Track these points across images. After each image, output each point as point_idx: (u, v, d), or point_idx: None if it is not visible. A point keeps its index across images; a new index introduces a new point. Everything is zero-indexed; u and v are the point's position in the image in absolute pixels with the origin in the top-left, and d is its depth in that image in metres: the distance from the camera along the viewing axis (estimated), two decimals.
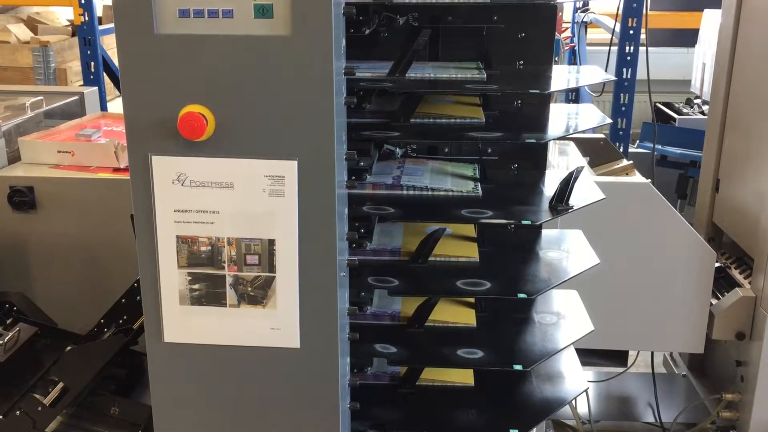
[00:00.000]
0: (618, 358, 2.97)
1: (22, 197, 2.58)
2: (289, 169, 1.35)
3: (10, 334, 2.02)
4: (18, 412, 1.76)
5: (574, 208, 1.68)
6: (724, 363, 3.03)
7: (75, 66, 4.33)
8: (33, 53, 4.18)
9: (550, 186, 1.87)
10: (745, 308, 2.65)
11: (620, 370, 3.00)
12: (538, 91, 1.70)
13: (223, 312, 1.43)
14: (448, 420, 1.77)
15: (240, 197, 1.37)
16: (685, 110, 4.67)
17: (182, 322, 1.44)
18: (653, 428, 3.05)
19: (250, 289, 1.42)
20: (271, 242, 1.39)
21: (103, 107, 3.85)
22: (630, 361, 3.01)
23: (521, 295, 1.62)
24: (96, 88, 3.53)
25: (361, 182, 1.69)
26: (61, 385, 1.84)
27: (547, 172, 1.96)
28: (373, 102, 1.83)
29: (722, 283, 2.83)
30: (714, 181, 3.07)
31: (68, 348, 1.95)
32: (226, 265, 1.41)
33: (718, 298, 2.76)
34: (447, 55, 1.91)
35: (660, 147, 4.15)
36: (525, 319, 1.89)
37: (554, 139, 1.74)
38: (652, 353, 3.08)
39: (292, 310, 1.42)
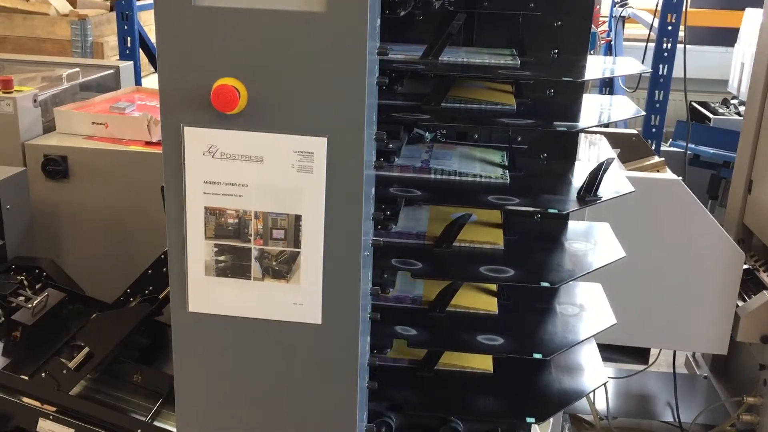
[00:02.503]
0: (639, 355, 2.95)
1: (56, 166, 2.62)
2: (319, 145, 1.36)
3: (39, 298, 2.05)
4: (44, 374, 1.79)
5: (602, 199, 1.67)
6: (747, 366, 3.00)
7: (112, 41, 4.37)
8: (71, 26, 4.22)
9: (578, 177, 1.86)
10: None
11: (641, 367, 2.99)
12: (571, 79, 1.68)
13: (247, 284, 1.44)
14: (465, 404, 1.77)
15: (269, 171, 1.38)
16: (720, 110, 4.60)
17: (207, 292, 1.46)
18: (671, 428, 3.03)
19: (274, 263, 1.43)
20: (298, 218, 1.40)
21: (138, 82, 3.89)
22: (651, 359, 2.99)
23: (544, 284, 1.61)
24: (131, 62, 3.57)
25: (389, 164, 1.70)
26: (86, 350, 1.87)
27: (577, 164, 1.95)
28: (404, 85, 1.83)
29: (749, 285, 2.80)
30: (747, 183, 3.03)
31: (94, 314, 1.99)
32: (252, 238, 1.42)
33: (744, 300, 2.73)
34: (481, 41, 1.90)
35: (693, 146, 4.10)
36: (547, 309, 1.88)
37: (586, 129, 1.72)
38: (675, 352, 3.06)
39: (316, 286, 1.43)
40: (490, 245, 1.79)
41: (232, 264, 1.44)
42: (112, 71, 3.37)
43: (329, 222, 1.39)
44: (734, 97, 4.72)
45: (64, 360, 1.82)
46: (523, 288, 1.88)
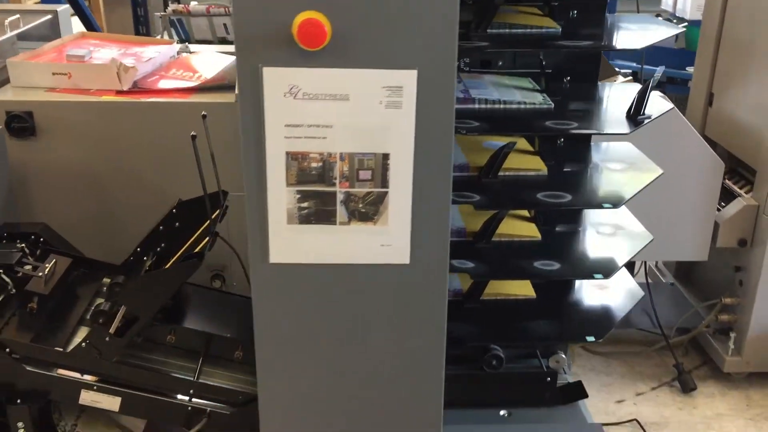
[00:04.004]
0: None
1: (22, 123, 2.41)
2: (409, 79, 1.30)
3: (48, 266, 1.91)
4: (83, 344, 1.67)
5: (652, 117, 1.69)
6: (712, 270, 3.17)
7: None
8: None
9: (609, 98, 1.88)
10: (748, 216, 2.77)
11: None
12: None
13: (332, 230, 1.39)
14: (522, 330, 1.80)
15: (355, 110, 1.31)
16: None
17: (289, 241, 1.39)
18: (651, 335, 3.19)
19: (361, 205, 1.38)
20: (385, 156, 1.35)
21: None
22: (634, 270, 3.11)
23: (607, 206, 1.63)
24: (68, 5, 3.30)
25: None
26: (121, 313, 1.76)
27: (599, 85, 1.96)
28: None
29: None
30: (707, 96, 3.15)
31: (139, 275, 1.87)
32: (337, 181, 1.36)
33: (717, 210, 2.87)
34: None
35: (635, 65, 4.22)
36: (584, 231, 1.92)
37: (643, 48, 1.71)
38: (645, 262, 3.19)
39: (404, 226, 1.39)
40: (534, 172, 1.79)
41: (316, 210, 1.38)
42: (50, 16, 3.10)
43: (418, 158, 1.35)
44: (659, 15, 4.85)
45: (104, 327, 1.71)
46: (552, 211, 1.90)
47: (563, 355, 1.99)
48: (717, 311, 2.98)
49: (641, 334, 3.24)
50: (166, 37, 4.35)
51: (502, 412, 1.87)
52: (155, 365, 1.83)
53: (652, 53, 4.33)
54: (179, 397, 1.78)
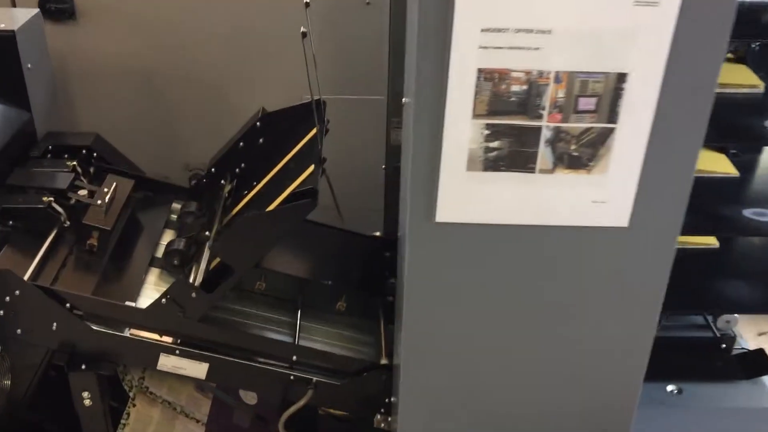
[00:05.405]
0: None
1: (60, 4, 1.97)
2: None
3: (108, 191, 1.52)
4: (164, 300, 1.31)
5: None
6: None
7: None
8: None
9: None
10: None
11: None
12: None
13: (528, 180, 0.98)
14: (704, 291, 1.43)
15: (587, 7, 0.88)
16: None
17: (466, 194, 0.99)
18: None
19: (573, 147, 0.97)
20: (620, 78, 0.92)
21: None
22: None
23: None
24: None
25: None
26: (204, 262, 1.40)
27: None
28: None
29: None
30: None
31: (218, 202, 1.49)
32: (545, 112, 0.94)
33: None
34: None
35: None
36: None
37: None
38: None
39: (629, 177, 0.99)
40: (747, 89, 1.36)
41: (510, 152, 0.97)
42: None
43: (669, 82, 0.93)
44: None
45: (186, 279, 1.35)
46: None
47: (735, 315, 1.62)
48: None
49: None
50: None
51: (669, 388, 1.52)
52: (242, 319, 1.48)
53: None
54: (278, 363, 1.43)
